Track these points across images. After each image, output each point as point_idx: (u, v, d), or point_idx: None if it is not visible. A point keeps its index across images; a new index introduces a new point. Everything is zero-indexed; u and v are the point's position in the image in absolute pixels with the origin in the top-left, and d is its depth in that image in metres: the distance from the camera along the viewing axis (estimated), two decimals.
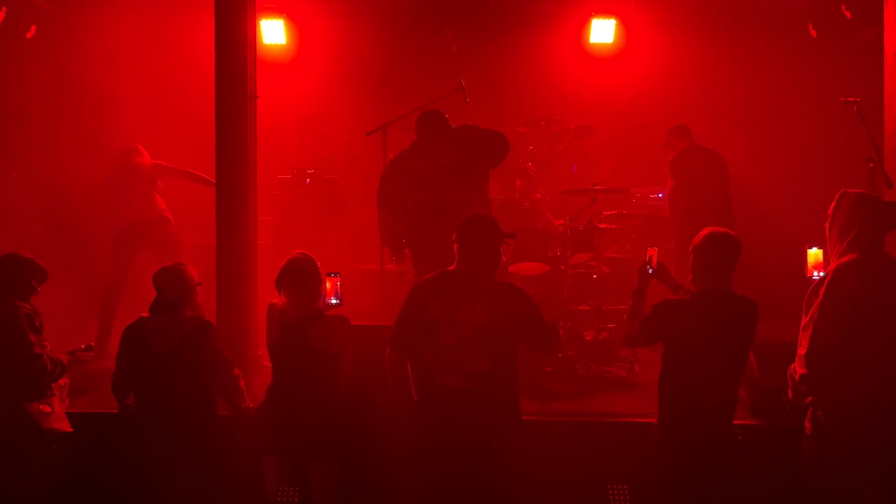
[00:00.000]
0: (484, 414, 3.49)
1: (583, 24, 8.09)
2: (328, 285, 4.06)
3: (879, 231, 3.56)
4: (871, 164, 5.04)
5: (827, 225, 3.70)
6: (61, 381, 4.34)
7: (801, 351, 3.51)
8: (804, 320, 3.54)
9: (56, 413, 4.19)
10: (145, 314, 4.05)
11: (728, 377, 3.58)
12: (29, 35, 7.38)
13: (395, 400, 3.74)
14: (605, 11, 8.01)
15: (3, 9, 7.03)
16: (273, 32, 7.96)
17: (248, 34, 5.49)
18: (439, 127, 5.30)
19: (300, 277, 3.88)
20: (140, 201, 6.24)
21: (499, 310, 3.50)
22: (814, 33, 7.65)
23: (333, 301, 4.07)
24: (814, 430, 3.55)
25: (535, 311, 3.59)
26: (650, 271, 3.90)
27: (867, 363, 3.43)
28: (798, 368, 3.53)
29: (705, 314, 3.56)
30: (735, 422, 3.63)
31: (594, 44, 8.12)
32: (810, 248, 4.40)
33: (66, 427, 4.23)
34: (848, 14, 7.10)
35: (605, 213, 6.63)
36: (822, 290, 3.49)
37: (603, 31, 8.06)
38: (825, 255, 3.90)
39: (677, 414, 3.59)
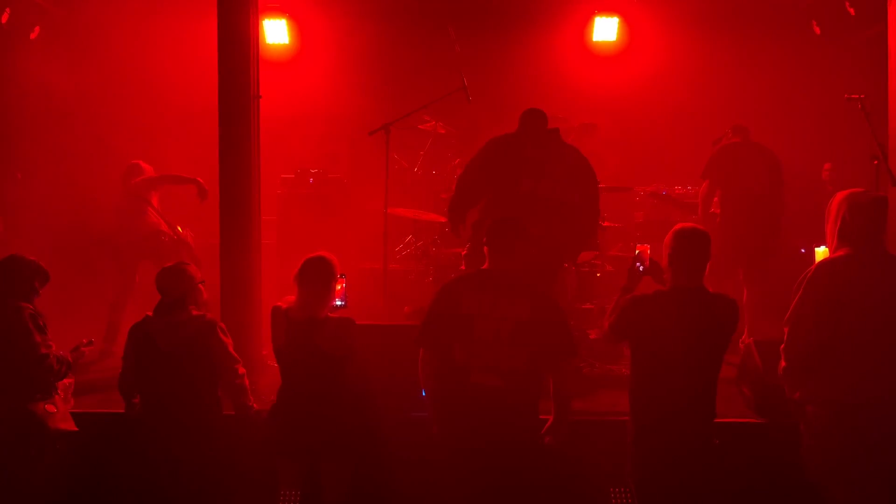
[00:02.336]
0: (516, 414, 3.48)
1: (586, 22, 8.09)
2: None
3: (868, 226, 3.53)
4: (876, 162, 5.02)
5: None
6: (66, 381, 4.35)
7: (783, 345, 3.52)
8: (787, 313, 3.54)
9: (61, 413, 4.20)
10: (150, 313, 4.06)
11: (700, 377, 3.50)
12: (32, 36, 7.40)
13: (430, 401, 3.68)
14: (607, 9, 8.02)
15: (7, 10, 7.05)
16: (275, 32, 7.98)
17: (251, 34, 5.49)
18: (550, 127, 5.21)
19: (321, 277, 3.89)
20: (131, 220, 6.29)
21: (538, 309, 3.50)
22: (818, 30, 7.63)
23: (338, 303, 4.06)
24: (804, 425, 3.56)
25: (567, 322, 3.60)
26: (640, 269, 3.79)
27: (853, 358, 3.44)
28: (781, 361, 3.53)
29: (674, 311, 3.49)
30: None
31: (597, 42, 8.13)
32: (818, 247, 4.35)
33: (72, 427, 4.24)
34: (852, 11, 7.08)
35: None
36: (804, 285, 3.49)
37: (606, 29, 8.06)
38: None
39: (647, 414, 3.53)
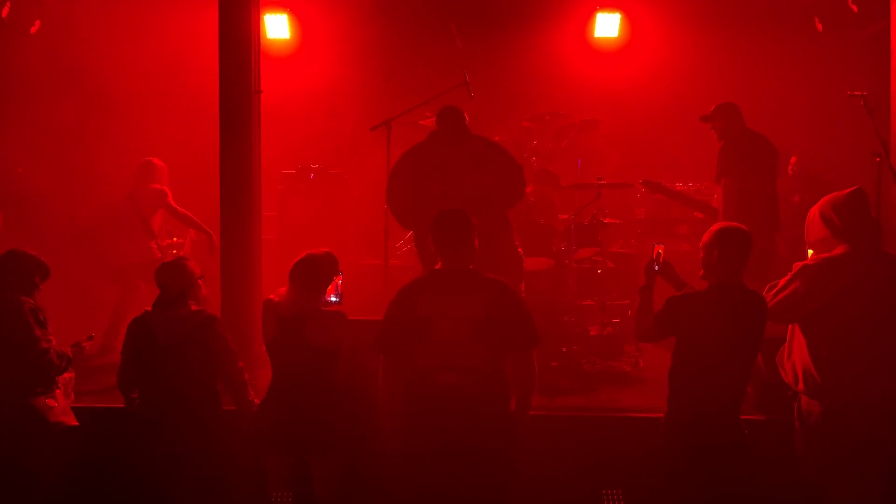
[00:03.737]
0: (483, 412, 3.45)
1: (587, 18, 8.09)
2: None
3: (859, 218, 3.59)
4: (878, 159, 5.02)
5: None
6: (66, 376, 4.35)
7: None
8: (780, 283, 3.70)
9: (61, 407, 4.20)
10: (149, 308, 4.05)
11: (738, 371, 3.59)
12: (33, 30, 7.39)
13: (385, 413, 3.62)
14: (609, 5, 8.02)
15: (7, 4, 7.04)
16: (277, 27, 7.98)
17: (252, 29, 5.49)
18: (462, 120, 5.31)
19: (311, 273, 3.88)
20: (129, 243, 6.17)
21: (494, 304, 3.47)
22: (820, 27, 7.61)
23: (333, 299, 4.05)
24: (799, 422, 3.64)
25: (527, 311, 3.56)
26: (656, 268, 3.88)
27: (848, 356, 3.49)
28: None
29: (719, 308, 3.57)
30: (741, 417, 3.65)
31: (599, 38, 8.12)
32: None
33: (72, 421, 4.24)
34: (854, 8, 7.06)
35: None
36: (801, 270, 3.62)
37: (607, 25, 8.06)
38: None
39: (687, 407, 3.59)
